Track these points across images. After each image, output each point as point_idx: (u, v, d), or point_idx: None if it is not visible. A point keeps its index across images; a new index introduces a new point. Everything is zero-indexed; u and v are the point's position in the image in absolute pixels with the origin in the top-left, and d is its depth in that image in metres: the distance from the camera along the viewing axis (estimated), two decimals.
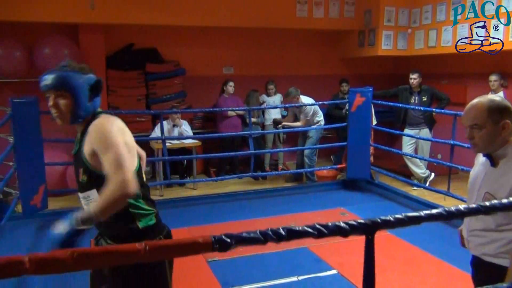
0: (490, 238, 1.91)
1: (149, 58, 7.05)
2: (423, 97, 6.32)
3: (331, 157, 7.69)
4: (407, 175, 6.47)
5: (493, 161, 1.88)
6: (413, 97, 6.40)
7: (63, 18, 5.93)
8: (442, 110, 5.85)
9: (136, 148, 1.96)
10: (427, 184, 6.24)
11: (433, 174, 6.38)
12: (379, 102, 6.21)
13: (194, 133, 6.74)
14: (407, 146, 6.45)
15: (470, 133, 1.87)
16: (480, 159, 2.01)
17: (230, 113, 6.77)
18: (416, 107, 5.94)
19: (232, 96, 6.91)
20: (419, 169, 6.37)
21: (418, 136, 6.23)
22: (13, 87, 6.25)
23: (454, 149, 5.13)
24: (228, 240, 1.01)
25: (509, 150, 1.83)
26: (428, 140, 6.13)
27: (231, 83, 6.88)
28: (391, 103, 6.37)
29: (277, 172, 7.02)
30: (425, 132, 6.33)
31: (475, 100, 1.88)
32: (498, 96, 1.98)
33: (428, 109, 5.93)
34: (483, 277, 2.02)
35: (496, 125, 1.81)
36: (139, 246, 0.99)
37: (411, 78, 6.33)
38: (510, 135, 1.83)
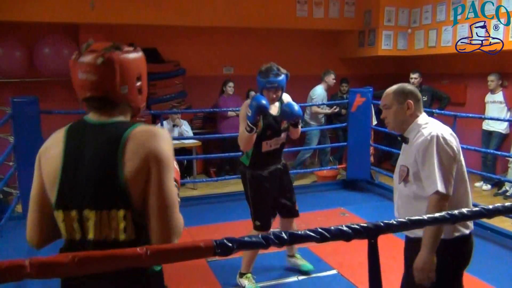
0: (409, 210, 2.14)
1: (149, 58, 6.96)
2: (423, 97, 6.32)
3: (330, 157, 7.69)
4: None
5: (405, 139, 2.16)
6: None
7: (63, 18, 5.92)
8: (442, 111, 5.86)
9: None
10: None
11: None
12: (379, 102, 6.18)
13: (194, 133, 6.74)
14: None
15: (383, 113, 2.22)
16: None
17: (230, 113, 6.76)
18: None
19: (232, 96, 6.91)
20: None
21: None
22: (13, 87, 6.25)
23: None
24: (230, 245, 1.00)
25: (415, 126, 2.11)
26: None
27: (231, 84, 6.87)
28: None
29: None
30: None
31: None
32: (410, 84, 2.27)
33: (427, 109, 5.93)
34: (406, 252, 2.40)
35: (401, 105, 2.13)
36: (140, 250, 0.98)
37: (411, 78, 6.34)
38: (414, 114, 2.13)
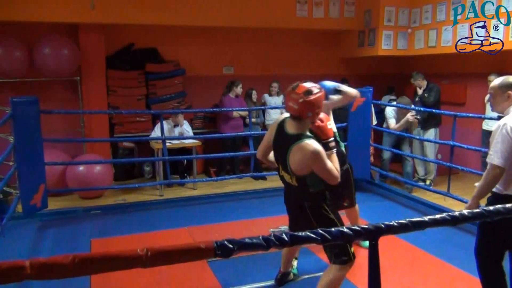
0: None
1: (149, 58, 7.03)
2: (425, 94, 6.36)
3: None
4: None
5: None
6: (417, 95, 6.44)
7: (63, 18, 5.91)
8: (443, 111, 5.86)
9: None
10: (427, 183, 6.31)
11: (428, 181, 6.50)
12: (379, 102, 6.20)
13: (194, 133, 6.73)
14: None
15: (489, 98, 2.76)
16: None
17: (235, 114, 6.77)
18: (416, 108, 5.92)
19: (237, 97, 6.91)
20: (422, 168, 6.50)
21: (418, 137, 6.22)
22: (13, 87, 6.25)
23: (454, 150, 5.13)
24: (231, 246, 1.00)
25: (509, 111, 2.72)
26: (427, 140, 6.13)
27: (241, 85, 6.88)
28: (391, 104, 6.37)
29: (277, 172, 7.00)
30: (429, 133, 6.35)
31: None
32: None
33: (428, 109, 5.93)
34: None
35: (503, 94, 2.73)
36: (140, 251, 0.98)
37: (413, 83, 6.47)
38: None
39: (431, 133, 6.35)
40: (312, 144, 2.48)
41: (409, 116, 5.78)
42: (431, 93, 6.32)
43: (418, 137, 6.19)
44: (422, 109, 5.82)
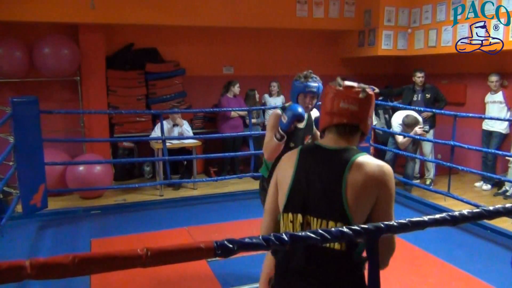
0: None
1: (149, 58, 7.04)
2: (427, 95, 6.37)
3: None
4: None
5: None
6: (416, 95, 6.45)
7: (63, 18, 5.91)
8: (442, 111, 5.86)
9: None
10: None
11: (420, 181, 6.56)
12: (379, 102, 6.19)
13: (194, 133, 6.73)
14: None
15: None
16: None
17: (233, 114, 6.77)
18: (416, 107, 5.93)
19: (234, 97, 6.91)
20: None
21: (417, 137, 6.22)
22: (13, 87, 6.25)
23: (454, 149, 5.13)
24: (230, 246, 1.00)
25: None
26: (427, 140, 6.14)
27: (238, 84, 6.88)
28: (391, 104, 6.36)
29: None
30: (429, 132, 6.38)
31: None
32: None
33: (428, 109, 5.93)
34: None
35: None
36: (140, 251, 0.98)
37: (419, 77, 6.41)
38: None
39: (430, 133, 6.40)
40: (377, 161, 1.59)
41: (417, 129, 5.74)
42: (435, 94, 6.40)
43: (418, 137, 6.20)
44: (422, 109, 5.83)
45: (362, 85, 1.62)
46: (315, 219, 1.54)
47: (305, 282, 1.54)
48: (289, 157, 1.70)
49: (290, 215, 1.59)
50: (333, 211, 1.50)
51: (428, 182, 6.50)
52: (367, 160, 1.55)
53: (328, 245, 1.50)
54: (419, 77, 6.42)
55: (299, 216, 1.57)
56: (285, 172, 1.66)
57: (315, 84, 2.97)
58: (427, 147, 6.53)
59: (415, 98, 6.45)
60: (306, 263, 1.53)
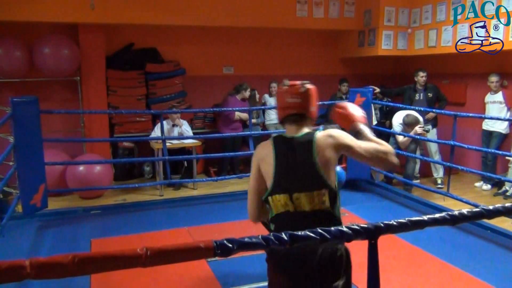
0: None
1: (149, 58, 7.04)
2: (429, 94, 6.39)
3: None
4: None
5: None
6: (418, 94, 6.46)
7: (63, 18, 5.92)
8: (443, 111, 5.86)
9: None
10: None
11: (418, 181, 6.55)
12: (379, 102, 6.20)
13: (194, 133, 6.73)
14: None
15: None
16: None
17: (236, 116, 6.77)
18: (417, 107, 5.92)
19: (243, 101, 6.91)
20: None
21: (417, 137, 6.22)
22: (13, 87, 6.25)
23: (454, 149, 5.13)
24: (230, 245, 1.00)
25: None
26: (427, 140, 6.14)
27: (249, 89, 6.93)
28: (391, 103, 6.36)
29: None
30: (432, 132, 6.39)
31: None
32: None
33: (428, 109, 5.93)
34: None
35: None
36: (140, 251, 0.98)
37: (422, 76, 6.43)
38: None
39: (433, 132, 6.42)
40: (327, 131, 2.04)
41: (418, 128, 5.73)
42: (436, 93, 6.42)
43: (419, 137, 6.20)
44: (422, 108, 5.83)
45: (303, 82, 2.06)
46: (301, 194, 1.93)
47: (305, 255, 1.90)
48: (264, 146, 2.09)
49: (278, 196, 1.97)
50: (314, 182, 1.92)
51: (439, 181, 6.53)
52: (322, 133, 2.01)
53: (315, 206, 1.92)
54: (422, 77, 6.45)
55: (287, 196, 1.94)
56: (266, 159, 2.03)
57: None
58: (433, 147, 6.53)
59: (417, 98, 6.46)
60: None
